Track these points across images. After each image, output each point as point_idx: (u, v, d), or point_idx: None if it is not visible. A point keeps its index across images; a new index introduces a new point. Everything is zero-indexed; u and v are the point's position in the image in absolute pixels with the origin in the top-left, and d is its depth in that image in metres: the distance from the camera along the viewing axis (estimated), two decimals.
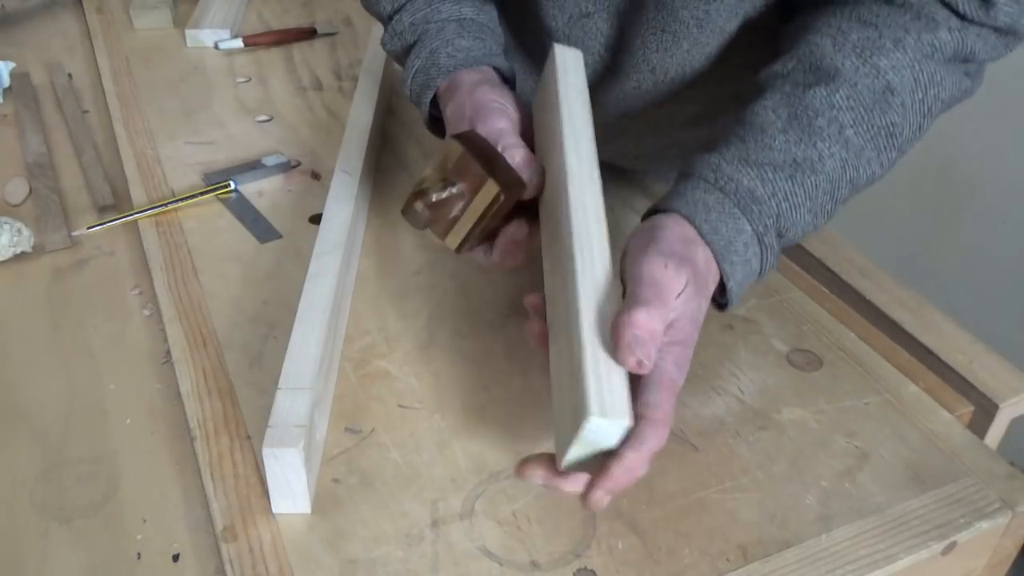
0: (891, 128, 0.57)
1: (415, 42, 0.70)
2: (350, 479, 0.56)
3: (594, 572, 0.51)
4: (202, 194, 0.81)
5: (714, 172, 0.56)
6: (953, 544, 0.53)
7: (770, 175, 0.55)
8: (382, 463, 0.57)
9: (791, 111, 0.56)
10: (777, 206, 0.55)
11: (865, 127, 0.57)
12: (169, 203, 0.80)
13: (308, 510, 0.54)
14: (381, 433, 0.59)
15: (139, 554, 0.52)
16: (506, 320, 0.68)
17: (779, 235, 0.57)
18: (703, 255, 0.54)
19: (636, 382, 0.49)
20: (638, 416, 0.47)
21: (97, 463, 0.58)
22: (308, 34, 1.13)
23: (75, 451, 0.58)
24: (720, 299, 0.57)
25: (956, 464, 0.58)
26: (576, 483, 0.48)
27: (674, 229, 0.54)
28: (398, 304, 0.70)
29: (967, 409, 0.63)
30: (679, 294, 0.51)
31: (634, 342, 0.47)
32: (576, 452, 0.47)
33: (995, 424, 0.63)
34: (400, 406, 0.61)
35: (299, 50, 1.11)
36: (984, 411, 0.63)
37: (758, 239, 0.55)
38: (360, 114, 0.85)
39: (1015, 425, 0.65)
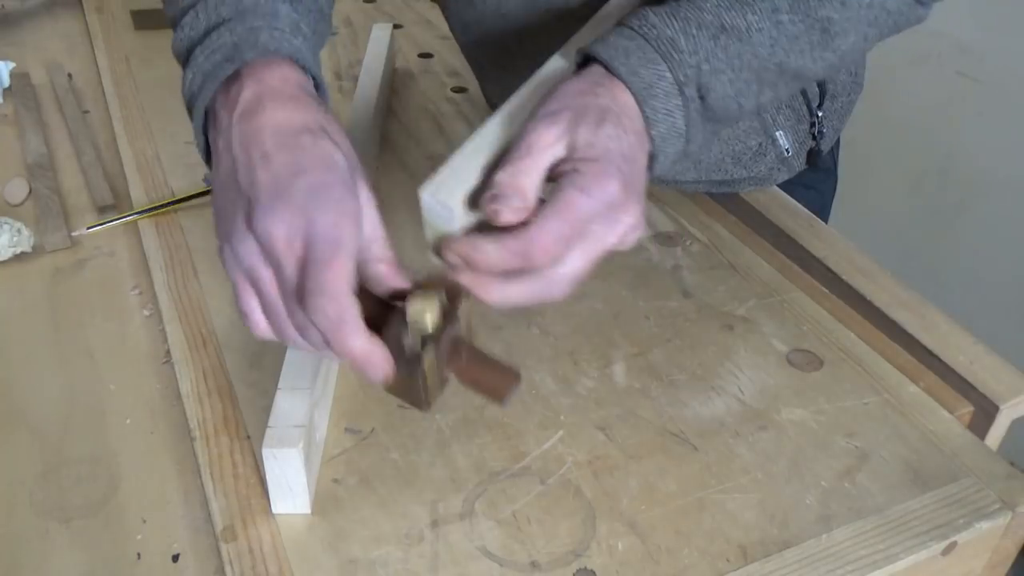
0: (827, 24, 0.57)
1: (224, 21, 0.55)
2: (350, 479, 0.56)
3: (594, 572, 0.51)
4: (202, 194, 0.81)
5: (639, 20, 0.55)
6: (953, 544, 0.53)
7: (694, 31, 0.55)
8: (382, 463, 0.57)
9: None
10: (698, 63, 0.55)
11: (800, 16, 0.56)
12: (169, 203, 0.80)
13: (308, 510, 0.54)
14: (381, 433, 0.59)
15: (139, 554, 0.52)
16: (506, 320, 0.68)
17: (700, 96, 0.56)
18: (610, 101, 0.52)
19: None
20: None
21: (97, 463, 0.58)
22: None
23: (75, 451, 0.58)
24: (649, 164, 0.56)
25: (956, 464, 0.58)
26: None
27: (567, 89, 0.53)
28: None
29: (967, 410, 0.63)
30: (558, 140, 0.50)
31: (488, 196, 0.48)
32: (430, 233, 0.50)
33: (995, 425, 0.63)
34: (400, 406, 0.61)
35: None
36: (984, 412, 0.63)
37: (679, 89, 0.54)
38: (360, 114, 0.85)
39: (1015, 426, 0.65)
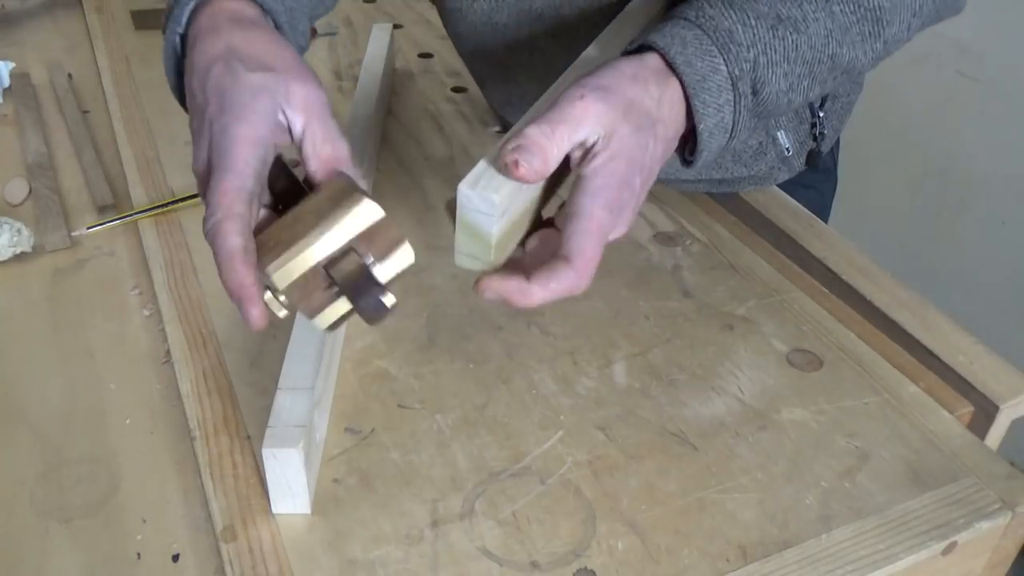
0: (878, 13, 0.57)
1: None
2: (350, 479, 0.56)
3: (594, 572, 0.51)
4: None
5: (696, 12, 0.54)
6: (953, 544, 0.53)
7: (752, 22, 0.54)
8: (382, 463, 0.57)
9: None
10: (755, 56, 0.54)
11: (852, 7, 0.56)
12: (169, 203, 0.80)
13: (308, 510, 0.54)
14: (381, 433, 0.59)
15: (139, 554, 0.52)
16: (506, 320, 0.68)
17: (754, 91, 0.55)
18: (657, 92, 0.52)
19: (565, 229, 0.49)
20: (559, 256, 0.48)
21: (97, 463, 0.58)
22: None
23: (75, 451, 0.58)
24: (689, 157, 0.56)
25: (956, 464, 0.58)
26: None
27: (620, 67, 0.52)
28: (398, 304, 0.70)
29: (967, 410, 0.63)
30: (598, 125, 0.49)
31: (512, 144, 0.47)
32: (461, 237, 0.48)
33: (995, 425, 0.63)
34: (400, 406, 0.61)
35: None
36: (984, 412, 0.63)
37: (732, 83, 0.54)
38: (360, 114, 0.85)
39: (1015, 426, 0.65)
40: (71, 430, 0.60)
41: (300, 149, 0.51)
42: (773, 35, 0.54)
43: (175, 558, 0.52)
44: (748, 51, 0.54)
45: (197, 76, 0.51)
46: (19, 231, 0.74)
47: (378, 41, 0.99)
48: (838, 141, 0.91)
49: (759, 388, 0.63)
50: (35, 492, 0.56)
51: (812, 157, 0.84)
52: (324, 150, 0.50)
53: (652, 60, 0.53)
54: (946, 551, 0.54)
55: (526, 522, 0.54)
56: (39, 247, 0.76)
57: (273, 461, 0.52)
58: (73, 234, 0.78)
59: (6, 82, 1.00)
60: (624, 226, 0.51)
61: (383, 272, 0.48)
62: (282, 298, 0.48)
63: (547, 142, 0.47)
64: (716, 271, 0.74)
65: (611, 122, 0.49)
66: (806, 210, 0.82)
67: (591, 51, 0.60)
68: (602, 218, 0.49)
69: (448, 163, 0.87)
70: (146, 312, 0.70)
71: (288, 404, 0.54)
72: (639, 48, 0.54)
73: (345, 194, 0.48)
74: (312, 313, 0.49)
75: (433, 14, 1.17)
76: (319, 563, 0.51)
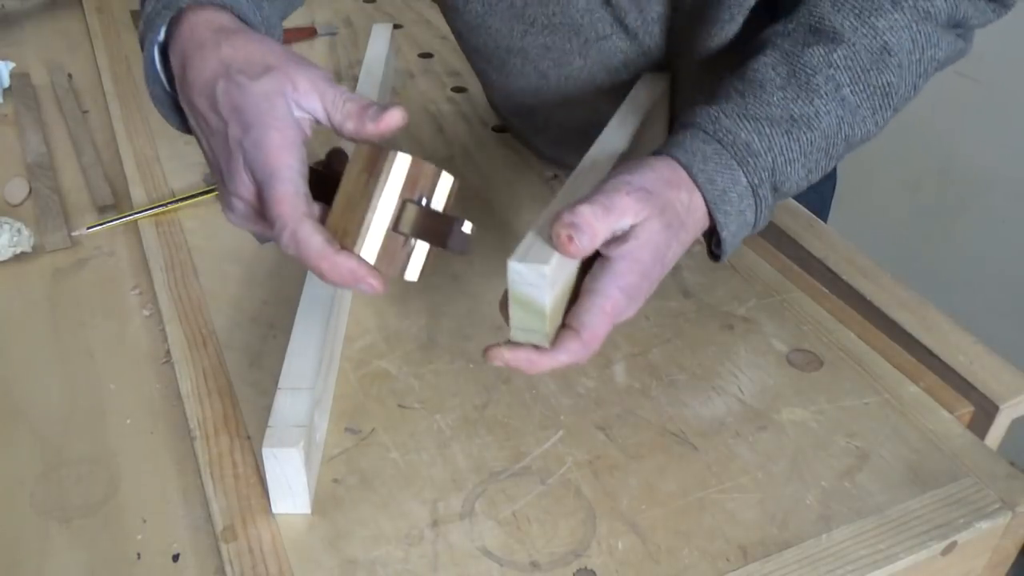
0: (887, 88, 0.59)
1: None
2: (350, 479, 0.56)
3: (594, 572, 0.51)
4: (202, 194, 0.81)
5: (713, 124, 0.57)
6: (953, 544, 0.53)
7: (767, 130, 0.56)
8: (382, 463, 0.57)
9: (790, 68, 0.58)
10: (773, 160, 0.56)
11: (862, 86, 0.58)
12: (169, 203, 0.80)
13: (308, 510, 0.54)
14: (381, 433, 0.59)
15: (139, 554, 0.52)
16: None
17: (774, 189, 0.58)
18: (687, 200, 0.54)
19: (580, 303, 0.51)
20: (565, 326, 0.50)
21: (97, 463, 0.58)
22: (308, 34, 1.13)
23: (75, 451, 0.58)
24: (716, 250, 0.59)
25: (956, 464, 0.58)
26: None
27: (659, 170, 0.54)
28: (398, 304, 0.70)
29: (967, 409, 0.63)
30: (636, 219, 0.51)
31: (567, 220, 0.49)
32: (516, 312, 0.50)
33: (995, 425, 0.63)
34: (400, 406, 0.61)
35: (299, 50, 1.10)
36: (984, 412, 0.63)
37: (752, 191, 0.56)
38: None
39: (1015, 426, 0.65)
40: (71, 430, 0.60)
41: (329, 121, 0.52)
42: (789, 139, 0.57)
43: (175, 558, 0.52)
44: (765, 157, 0.56)
45: (203, 98, 0.51)
46: (19, 231, 0.74)
47: (378, 41, 0.99)
48: None
49: (759, 388, 0.63)
50: (35, 492, 0.56)
51: None
52: (349, 107, 0.51)
53: (677, 169, 0.55)
54: (946, 551, 0.54)
55: (526, 522, 0.54)
56: (39, 247, 0.76)
57: (273, 461, 0.52)
58: (73, 234, 0.78)
59: (6, 82, 1.00)
60: (633, 312, 0.53)
61: (438, 205, 0.50)
62: None
63: (597, 224, 0.50)
64: (716, 271, 0.74)
65: (646, 217, 0.52)
66: (806, 210, 0.82)
67: (609, 141, 0.63)
68: (618, 300, 0.51)
69: (448, 163, 0.87)
70: (146, 312, 0.70)
71: (288, 404, 0.54)
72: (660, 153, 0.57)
73: (375, 158, 0.49)
74: (400, 272, 0.51)
75: (433, 14, 1.17)
76: (319, 563, 0.51)
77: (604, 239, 0.51)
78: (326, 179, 0.52)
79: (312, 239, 0.48)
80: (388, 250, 0.49)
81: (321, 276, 0.49)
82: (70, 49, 1.11)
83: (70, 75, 1.03)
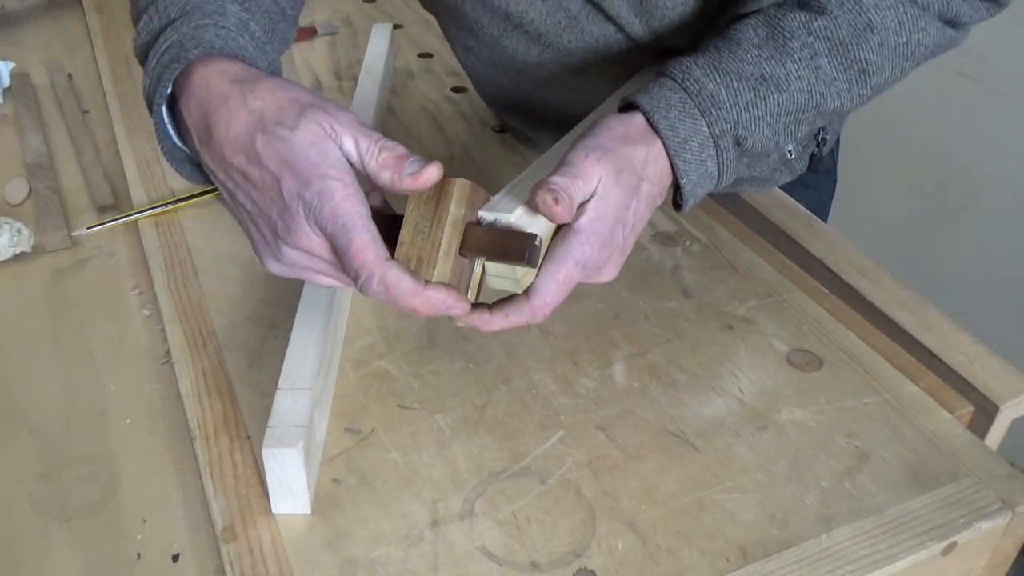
0: (864, 64, 0.59)
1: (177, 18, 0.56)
2: (350, 479, 0.56)
3: (594, 572, 0.51)
4: (202, 194, 0.81)
5: (683, 73, 0.58)
6: (953, 544, 0.53)
7: (735, 84, 0.57)
8: (382, 463, 0.57)
9: (769, 31, 0.59)
10: (737, 115, 0.57)
11: (839, 59, 0.59)
12: (169, 203, 0.80)
13: (308, 510, 0.54)
14: (381, 433, 0.59)
15: (139, 554, 0.52)
16: None
17: (737, 143, 0.58)
18: (643, 153, 0.55)
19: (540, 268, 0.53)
20: (521, 295, 0.53)
21: (97, 463, 0.58)
22: (308, 34, 1.13)
23: (75, 451, 0.58)
24: (679, 200, 0.59)
25: (956, 464, 0.58)
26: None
27: (615, 127, 0.56)
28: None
29: (967, 410, 0.63)
30: (598, 181, 0.53)
31: (548, 186, 0.51)
32: (490, 264, 0.53)
33: (995, 425, 0.63)
34: (400, 406, 0.61)
35: (299, 50, 1.11)
36: (984, 412, 0.63)
37: (714, 141, 0.57)
38: (360, 114, 0.85)
39: (1015, 426, 0.65)
40: (71, 430, 0.60)
41: (363, 167, 0.50)
42: (755, 95, 0.58)
43: (175, 558, 0.52)
44: (730, 111, 0.57)
45: (240, 154, 0.50)
46: (19, 231, 0.74)
47: (378, 41, 0.99)
48: (838, 141, 0.91)
49: (759, 388, 0.63)
50: (35, 492, 0.56)
51: (813, 159, 0.84)
52: (385, 157, 0.50)
53: (639, 119, 0.57)
54: (946, 551, 0.54)
55: (526, 522, 0.54)
56: (39, 247, 0.76)
57: (273, 461, 0.52)
58: (73, 234, 0.78)
59: (6, 82, 1.00)
60: (609, 275, 0.56)
61: (491, 219, 0.53)
62: None
63: (572, 189, 0.52)
64: (716, 271, 0.74)
65: (604, 183, 0.53)
66: (806, 210, 0.82)
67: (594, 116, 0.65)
68: (571, 271, 0.52)
69: (448, 163, 0.87)
70: (146, 312, 0.70)
71: (288, 404, 0.54)
72: (628, 105, 0.58)
73: (438, 187, 0.52)
74: (473, 291, 0.53)
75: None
76: (319, 563, 0.51)
77: (578, 204, 0.52)
78: (377, 215, 0.52)
79: (402, 282, 0.49)
80: (460, 274, 0.52)
81: (413, 312, 0.50)
82: (70, 49, 1.11)
83: (70, 75, 1.03)
